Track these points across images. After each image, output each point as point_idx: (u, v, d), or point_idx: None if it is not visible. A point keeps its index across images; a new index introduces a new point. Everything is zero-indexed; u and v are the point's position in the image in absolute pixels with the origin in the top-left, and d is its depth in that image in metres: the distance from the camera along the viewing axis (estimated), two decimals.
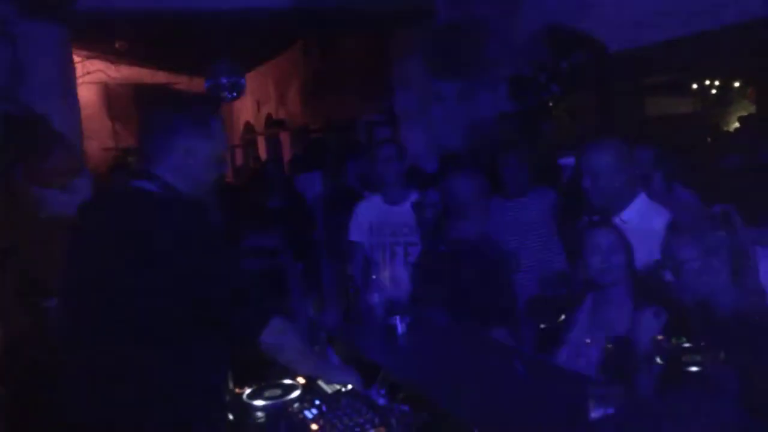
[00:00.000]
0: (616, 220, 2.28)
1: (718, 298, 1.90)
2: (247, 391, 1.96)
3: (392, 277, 3.14)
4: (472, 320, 2.33)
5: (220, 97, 6.15)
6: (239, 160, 11.92)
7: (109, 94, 11.26)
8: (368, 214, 3.31)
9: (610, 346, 2.02)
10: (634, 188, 2.37)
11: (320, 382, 1.96)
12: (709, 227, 1.95)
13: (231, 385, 1.97)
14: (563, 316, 2.33)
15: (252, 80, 10.49)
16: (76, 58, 7.64)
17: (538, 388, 1.74)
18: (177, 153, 1.64)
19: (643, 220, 2.26)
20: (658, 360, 1.86)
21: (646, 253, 2.06)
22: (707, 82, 9.42)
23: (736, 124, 8.28)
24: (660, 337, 1.98)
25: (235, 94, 6.38)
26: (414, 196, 3.22)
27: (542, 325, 2.26)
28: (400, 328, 2.26)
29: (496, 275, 2.51)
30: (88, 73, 9.21)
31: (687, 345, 1.91)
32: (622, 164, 2.31)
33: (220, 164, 1.77)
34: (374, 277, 3.02)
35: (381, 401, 1.81)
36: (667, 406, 1.54)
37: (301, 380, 1.98)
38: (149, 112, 1.74)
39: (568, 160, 3.98)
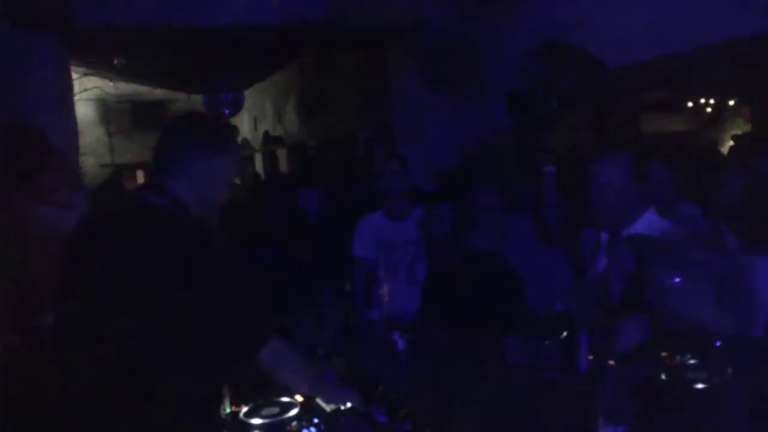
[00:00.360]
0: (623, 235, 2.25)
1: (704, 322, 1.86)
2: (244, 409, 1.93)
3: (394, 293, 3.11)
4: (491, 329, 2.28)
5: (220, 113, 6.15)
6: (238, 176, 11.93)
7: (107, 110, 11.29)
8: (371, 229, 3.29)
9: (612, 362, 2.00)
10: (642, 203, 2.33)
11: (319, 401, 1.92)
12: (695, 247, 1.92)
13: (228, 404, 1.93)
14: (565, 333, 2.30)
15: (249, 97, 10.53)
16: (73, 75, 7.67)
17: (544, 404, 1.71)
18: (191, 171, 1.66)
19: (650, 235, 2.23)
20: (663, 377, 1.83)
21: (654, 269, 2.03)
22: (702, 101, 9.50)
23: (731, 143, 8.32)
24: (664, 354, 1.96)
25: (233, 109, 6.39)
26: (418, 212, 3.20)
27: (546, 342, 2.22)
28: (400, 344, 2.23)
29: (516, 283, 2.47)
30: (86, 89, 9.25)
31: (692, 362, 1.89)
32: (631, 178, 2.28)
33: (232, 186, 1.79)
34: (377, 293, 3.00)
35: (381, 419, 1.78)
36: (676, 424, 1.51)
37: (299, 398, 1.95)
38: (170, 129, 1.77)
39: (549, 169, 3.99)
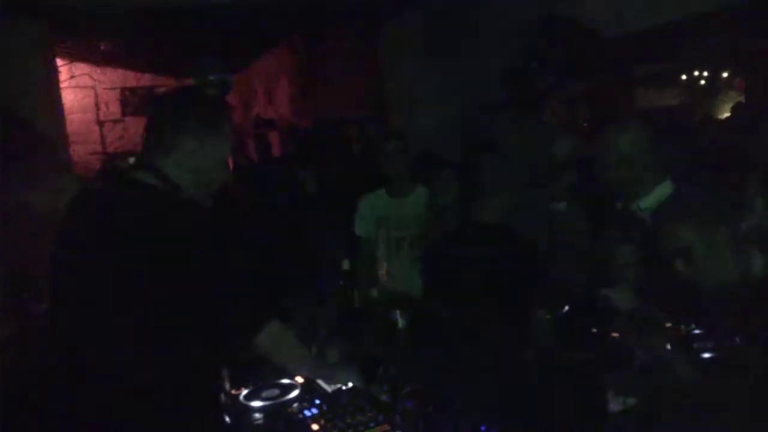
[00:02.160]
0: (634, 208, 2.21)
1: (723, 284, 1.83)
2: (244, 392, 1.91)
3: (395, 270, 3.09)
4: (513, 302, 2.25)
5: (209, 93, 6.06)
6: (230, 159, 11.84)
7: (96, 97, 11.13)
8: (373, 207, 3.26)
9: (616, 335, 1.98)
10: (656, 175, 2.23)
11: (320, 382, 1.90)
12: (712, 209, 1.89)
13: (227, 386, 1.91)
14: (567, 307, 2.27)
15: (239, 81, 10.40)
16: (61, 62, 7.54)
17: (551, 379, 1.69)
18: (184, 149, 1.61)
19: (664, 208, 2.16)
20: (668, 347, 1.81)
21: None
22: (696, 73, 9.45)
23: (727, 114, 8.30)
24: (668, 325, 1.94)
25: (222, 91, 6.30)
26: (419, 189, 3.17)
27: (547, 316, 2.19)
28: (401, 322, 2.21)
29: (534, 253, 2.42)
30: (74, 76, 9.11)
31: (697, 332, 1.87)
32: (641, 148, 2.21)
33: (225, 166, 1.74)
34: (379, 271, 2.98)
35: (383, 398, 1.75)
36: (686, 395, 1.49)
37: (300, 379, 1.93)
38: (161, 106, 1.72)
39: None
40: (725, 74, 9.42)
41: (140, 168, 1.63)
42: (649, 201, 2.20)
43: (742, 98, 8.53)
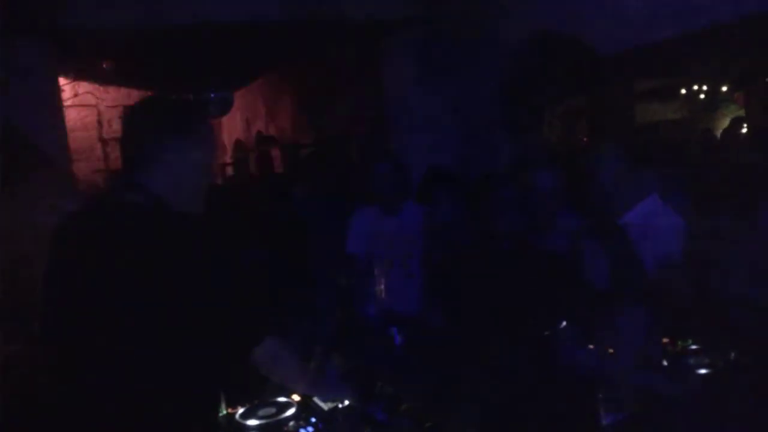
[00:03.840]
0: (620, 222, 2.23)
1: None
2: (241, 410, 1.90)
3: (390, 288, 3.09)
4: (535, 315, 2.23)
5: (209, 111, 6.09)
6: (231, 177, 11.87)
7: (99, 115, 11.22)
8: (366, 224, 3.27)
9: (611, 351, 1.97)
10: (641, 190, 2.31)
11: (316, 399, 1.89)
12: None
13: (224, 405, 1.90)
14: (564, 323, 2.27)
15: (241, 98, 10.48)
16: (65, 81, 7.61)
17: (547, 394, 1.68)
18: (163, 161, 1.54)
19: (649, 222, 2.21)
20: (664, 363, 1.80)
21: (650, 255, 2.01)
22: (695, 87, 9.47)
23: (726, 125, 8.31)
24: (666, 340, 1.94)
25: (222, 109, 6.34)
26: (411, 207, 3.18)
27: (546, 332, 2.19)
28: (398, 339, 2.21)
29: (555, 264, 2.40)
30: (77, 95, 9.18)
31: (694, 347, 1.87)
32: (624, 164, 2.27)
33: (208, 172, 1.66)
34: (373, 288, 2.97)
35: (380, 416, 1.75)
36: (679, 410, 1.48)
37: (296, 398, 1.92)
38: (133, 117, 1.63)
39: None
40: (724, 88, 9.44)
41: (123, 187, 1.56)
42: (634, 215, 2.24)
43: (741, 112, 8.54)
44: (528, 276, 2.31)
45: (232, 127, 11.81)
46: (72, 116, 9.35)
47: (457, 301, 2.49)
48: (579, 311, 2.16)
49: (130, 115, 1.64)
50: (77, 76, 8.40)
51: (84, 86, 9.28)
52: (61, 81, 5.44)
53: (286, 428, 1.76)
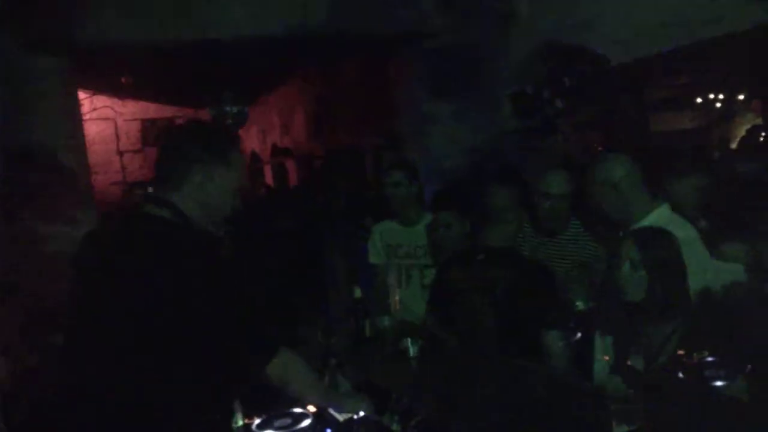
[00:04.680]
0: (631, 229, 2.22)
1: None
2: (257, 421, 1.91)
3: (406, 299, 3.10)
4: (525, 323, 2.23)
5: (225, 126, 6.18)
6: (247, 188, 11.97)
7: (117, 129, 11.38)
8: (383, 236, 3.30)
9: (629, 362, 1.96)
10: (652, 200, 2.31)
11: (331, 411, 1.90)
12: None
13: (240, 416, 1.92)
14: (579, 334, 2.27)
15: (256, 110, 10.57)
16: (83, 95, 7.74)
17: (558, 407, 1.68)
18: (194, 181, 1.63)
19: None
20: (680, 375, 1.79)
21: None
22: (711, 96, 9.39)
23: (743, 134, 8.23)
24: (681, 352, 1.92)
25: (238, 122, 6.43)
26: (428, 217, 3.18)
27: (560, 343, 2.18)
28: (412, 351, 2.21)
29: (544, 275, 2.41)
30: (95, 109, 9.34)
31: (710, 359, 1.85)
32: (634, 175, 2.27)
33: (236, 196, 1.74)
34: (389, 300, 2.98)
35: (395, 427, 1.75)
36: (691, 422, 1.48)
37: (312, 409, 1.93)
38: (172, 139, 1.75)
39: None
40: (741, 96, 9.36)
41: (152, 201, 1.65)
42: (646, 224, 2.22)
43: (759, 120, 8.47)
44: (523, 286, 2.32)
45: (248, 139, 11.91)
46: (90, 130, 9.51)
47: (460, 311, 2.47)
48: (607, 322, 2.15)
49: (170, 136, 1.78)
50: (96, 90, 8.55)
51: (102, 100, 9.44)
52: (80, 95, 5.52)
53: None
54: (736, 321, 2.08)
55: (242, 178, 1.79)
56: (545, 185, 2.74)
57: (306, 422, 1.86)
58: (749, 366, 1.65)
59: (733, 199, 3.13)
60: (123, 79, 7.14)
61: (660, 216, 2.26)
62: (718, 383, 1.66)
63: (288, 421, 1.89)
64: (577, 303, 2.49)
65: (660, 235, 1.98)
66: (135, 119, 11.36)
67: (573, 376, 2.08)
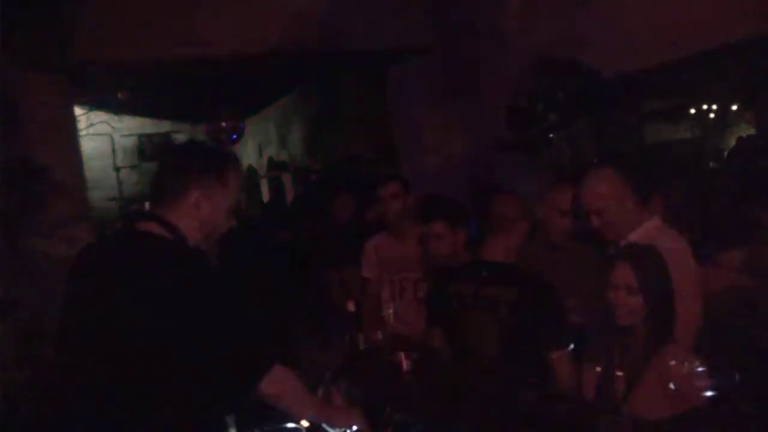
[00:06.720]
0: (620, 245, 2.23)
1: None
2: None
3: (400, 312, 3.09)
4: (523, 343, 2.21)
5: (221, 141, 6.21)
6: (243, 202, 11.98)
7: (113, 144, 11.41)
8: (376, 249, 3.30)
9: (620, 374, 1.97)
10: (641, 213, 2.28)
11: (325, 426, 1.90)
12: None
13: (234, 431, 1.92)
14: (572, 345, 2.27)
15: (253, 125, 10.62)
16: (80, 111, 7.77)
17: (550, 419, 1.69)
18: (190, 200, 1.64)
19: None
20: (671, 386, 1.80)
21: None
22: (704, 107, 9.44)
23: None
24: (672, 363, 1.93)
25: (234, 137, 6.46)
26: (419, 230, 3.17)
27: (553, 355, 2.19)
28: (406, 364, 2.21)
29: (549, 293, 2.34)
30: (92, 124, 9.36)
31: (700, 369, 1.86)
32: (622, 189, 2.25)
33: (229, 215, 1.75)
34: (383, 313, 2.98)
35: None
36: None
37: (305, 424, 1.93)
38: (168, 157, 1.78)
39: None
40: (734, 107, 9.41)
41: (148, 219, 1.66)
42: (635, 238, 2.21)
43: (752, 130, 8.51)
44: (528, 305, 2.28)
45: (244, 154, 11.95)
46: (87, 145, 9.53)
47: (457, 324, 2.44)
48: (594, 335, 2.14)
49: (168, 155, 1.81)
50: (93, 105, 8.58)
51: (99, 116, 9.46)
52: (77, 111, 5.55)
53: None
54: (729, 329, 2.09)
55: (237, 196, 1.78)
56: (560, 200, 2.67)
57: None
58: (737, 376, 1.67)
59: (726, 207, 3.15)
60: (119, 95, 7.18)
61: (650, 229, 2.25)
62: (708, 393, 1.67)
63: None
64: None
65: (655, 257, 1.97)
66: (132, 134, 11.39)
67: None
